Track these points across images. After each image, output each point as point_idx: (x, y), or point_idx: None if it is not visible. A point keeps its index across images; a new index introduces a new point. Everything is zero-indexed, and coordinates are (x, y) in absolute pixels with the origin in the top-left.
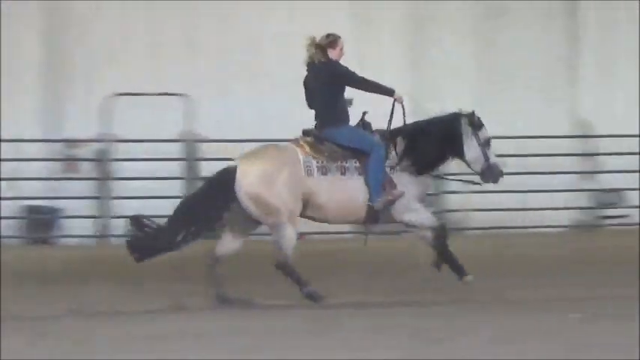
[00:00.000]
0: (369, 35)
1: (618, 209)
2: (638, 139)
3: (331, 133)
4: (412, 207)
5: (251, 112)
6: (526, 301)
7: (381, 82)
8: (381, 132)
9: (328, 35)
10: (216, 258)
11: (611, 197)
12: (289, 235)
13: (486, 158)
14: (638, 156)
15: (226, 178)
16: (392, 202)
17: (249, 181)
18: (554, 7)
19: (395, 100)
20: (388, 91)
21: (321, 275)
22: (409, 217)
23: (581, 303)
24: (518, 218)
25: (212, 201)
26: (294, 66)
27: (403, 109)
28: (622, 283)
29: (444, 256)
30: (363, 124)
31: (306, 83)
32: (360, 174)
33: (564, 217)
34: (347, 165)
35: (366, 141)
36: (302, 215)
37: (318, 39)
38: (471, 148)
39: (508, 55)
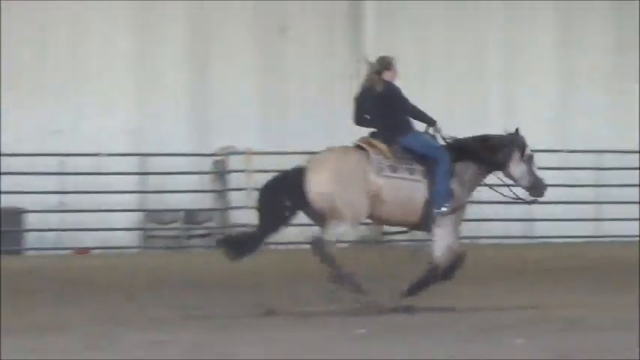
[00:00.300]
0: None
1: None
2: None
3: (400, 140)
4: (446, 222)
5: None
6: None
7: (426, 112)
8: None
9: (383, 58)
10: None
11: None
12: (341, 230)
13: (532, 174)
14: None
15: (297, 178)
16: (456, 211)
17: (320, 181)
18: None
19: (435, 129)
20: (431, 121)
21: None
22: (439, 232)
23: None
24: None
25: (285, 200)
26: None
27: (442, 137)
28: None
29: (421, 286)
30: (429, 134)
31: (359, 101)
32: (424, 177)
33: None
34: (414, 167)
35: (434, 148)
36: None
37: (373, 62)
38: (518, 165)
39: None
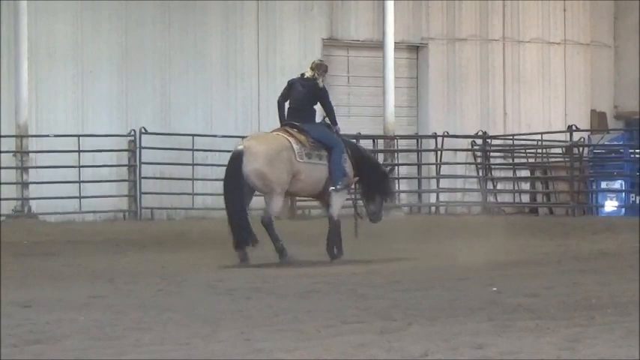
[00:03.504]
0: None
1: None
2: None
3: (309, 127)
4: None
5: None
6: None
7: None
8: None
9: (320, 61)
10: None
11: None
12: (277, 203)
13: (380, 209)
14: None
15: (236, 163)
16: (348, 187)
17: (255, 162)
18: None
19: (336, 129)
20: (335, 122)
21: None
22: (335, 199)
23: None
24: None
25: (234, 181)
26: None
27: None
28: None
29: (332, 240)
30: (326, 124)
31: (292, 86)
32: (328, 161)
33: None
34: (322, 154)
35: (331, 137)
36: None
37: (316, 61)
38: (375, 200)
39: None
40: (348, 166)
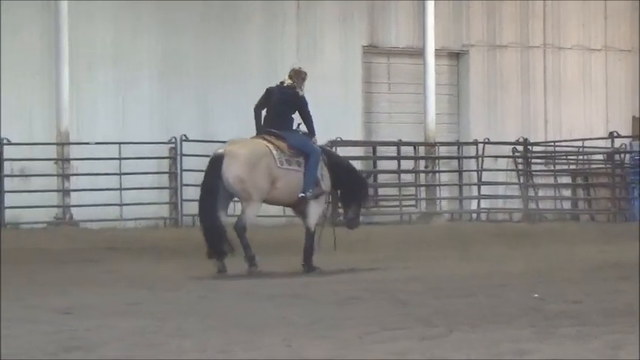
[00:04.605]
0: None
1: None
2: None
3: (287, 134)
4: (319, 203)
5: None
6: None
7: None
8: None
9: (299, 68)
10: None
11: None
12: (254, 211)
13: (357, 217)
14: None
15: (216, 166)
16: (319, 196)
17: (236, 167)
18: None
19: (313, 139)
20: (313, 132)
21: None
22: (312, 208)
23: None
24: None
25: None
26: None
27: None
28: None
29: (308, 251)
30: (303, 133)
31: (271, 94)
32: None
33: None
34: (300, 160)
35: (308, 145)
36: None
37: (295, 68)
38: (354, 209)
39: None
40: (324, 175)
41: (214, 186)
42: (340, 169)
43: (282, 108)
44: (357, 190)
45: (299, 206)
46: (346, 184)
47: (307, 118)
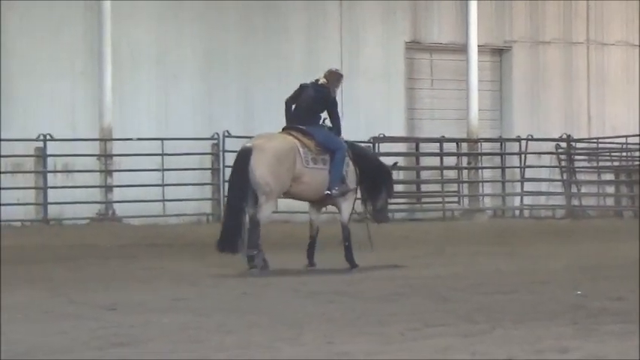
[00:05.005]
0: None
1: None
2: None
3: (313, 130)
4: (348, 199)
5: None
6: None
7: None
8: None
9: (336, 70)
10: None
11: None
12: (271, 207)
13: (385, 207)
14: None
15: (245, 160)
16: (345, 193)
17: (264, 161)
18: None
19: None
20: (340, 132)
21: None
22: (344, 205)
23: None
24: None
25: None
26: None
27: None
28: None
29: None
30: (329, 128)
31: (303, 89)
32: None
33: None
34: (326, 158)
35: (335, 141)
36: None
37: (331, 70)
38: (380, 196)
39: None
40: (349, 171)
41: (244, 180)
42: (366, 161)
43: (311, 105)
44: (382, 182)
45: (324, 203)
46: (372, 176)
47: (335, 119)
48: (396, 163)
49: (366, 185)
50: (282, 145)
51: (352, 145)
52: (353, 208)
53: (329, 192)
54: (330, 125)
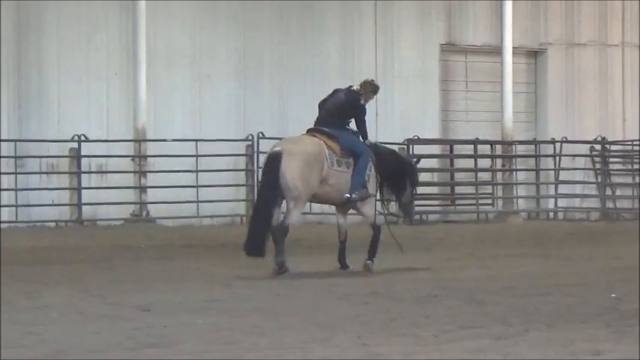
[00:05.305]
0: None
1: None
2: None
3: (338, 133)
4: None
5: None
6: None
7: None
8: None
9: (372, 81)
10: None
11: None
12: (300, 211)
13: (411, 202)
14: None
15: (275, 163)
16: (364, 198)
17: (295, 165)
18: None
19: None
20: (366, 136)
21: None
22: (366, 209)
23: None
24: None
25: (272, 183)
26: None
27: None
28: None
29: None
30: (354, 132)
31: (336, 93)
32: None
33: None
34: (350, 161)
35: (359, 146)
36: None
37: (367, 80)
38: (405, 189)
39: None
40: (371, 177)
41: (274, 184)
42: (389, 156)
43: (340, 109)
44: (406, 176)
45: (345, 207)
46: (397, 170)
47: (361, 126)
48: (419, 158)
49: (390, 182)
50: (312, 148)
51: (374, 147)
52: (375, 208)
53: (349, 196)
54: (355, 129)
